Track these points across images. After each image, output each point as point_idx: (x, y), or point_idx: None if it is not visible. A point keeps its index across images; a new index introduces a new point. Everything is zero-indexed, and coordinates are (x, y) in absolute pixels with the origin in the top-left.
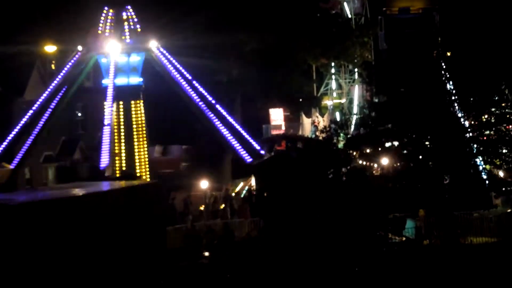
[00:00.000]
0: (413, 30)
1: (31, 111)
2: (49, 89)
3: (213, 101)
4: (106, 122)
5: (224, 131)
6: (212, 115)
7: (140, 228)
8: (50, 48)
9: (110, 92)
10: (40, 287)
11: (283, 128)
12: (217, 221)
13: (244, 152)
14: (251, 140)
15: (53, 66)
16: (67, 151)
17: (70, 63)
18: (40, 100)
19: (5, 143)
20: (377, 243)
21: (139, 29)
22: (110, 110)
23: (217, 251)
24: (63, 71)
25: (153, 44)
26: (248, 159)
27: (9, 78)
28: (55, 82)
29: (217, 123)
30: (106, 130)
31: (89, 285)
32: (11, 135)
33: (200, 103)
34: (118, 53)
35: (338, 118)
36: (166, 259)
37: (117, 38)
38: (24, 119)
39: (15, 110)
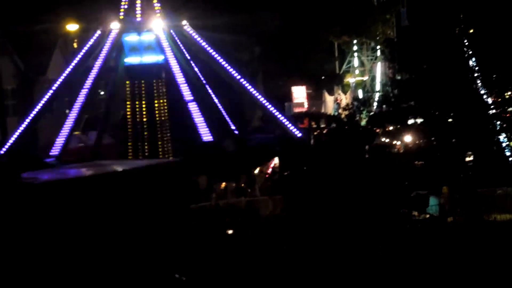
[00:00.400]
0: (435, 6)
1: (51, 91)
2: (69, 69)
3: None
4: None
5: (270, 107)
6: (252, 89)
7: (162, 206)
8: (72, 27)
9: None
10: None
11: (306, 106)
12: (241, 199)
13: (293, 127)
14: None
15: (75, 45)
16: (90, 129)
17: (89, 43)
18: (61, 79)
19: (27, 121)
20: (400, 221)
21: (158, 7)
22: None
23: (240, 228)
24: (83, 50)
25: (172, 21)
26: (298, 134)
27: (31, 57)
28: (76, 61)
29: (261, 99)
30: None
31: (118, 261)
32: (33, 113)
33: (241, 79)
34: (132, 30)
35: (360, 96)
36: (189, 237)
37: (141, 15)
38: (45, 98)
39: (38, 89)
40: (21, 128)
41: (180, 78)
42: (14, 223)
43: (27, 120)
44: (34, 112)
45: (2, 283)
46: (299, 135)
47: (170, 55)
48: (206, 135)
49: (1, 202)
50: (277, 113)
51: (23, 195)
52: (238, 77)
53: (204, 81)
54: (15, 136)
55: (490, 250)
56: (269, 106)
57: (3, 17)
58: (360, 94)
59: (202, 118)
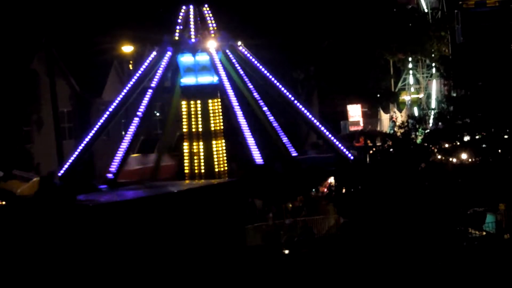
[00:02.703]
0: (490, 23)
1: (107, 112)
2: (125, 90)
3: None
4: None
5: (322, 128)
6: (305, 110)
7: (219, 225)
8: (127, 48)
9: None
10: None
11: (361, 124)
12: (296, 219)
13: (345, 149)
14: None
15: (130, 67)
16: (146, 151)
17: (146, 63)
18: (117, 100)
19: (84, 143)
20: (457, 238)
21: (215, 28)
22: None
23: (296, 248)
24: (139, 71)
25: (233, 43)
26: (350, 156)
27: (87, 79)
28: (132, 82)
29: (312, 118)
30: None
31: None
32: (90, 135)
33: (293, 99)
34: (211, 50)
35: (416, 113)
36: (246, 257)
37: (205, 36)
38: (102, 120)
39: (94, 111)
40: (78, 151)
41: (233, 99)
42: (72, 243)
43: (84, 143)
44: (90, 134)
45: None
46: (351, 157)
47: (224, 75)
48: (258, 158)
49: (58, 223)
50: (329, 135)
51: (79, 217)
52: (292, 98)
53: (259, 102)
54: (72, 158)
55: None
56: (322, 127)
57: (59, 39)
58: (416, 111)
59: (254, 141)
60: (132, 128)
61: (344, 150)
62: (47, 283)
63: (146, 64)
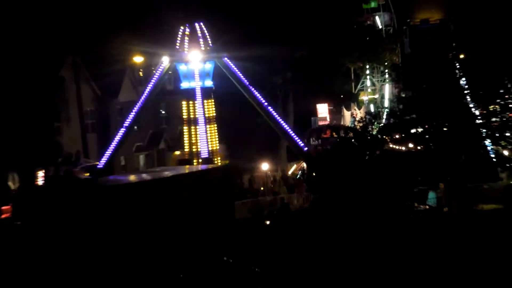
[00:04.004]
0: (432, 37)
1: (133, 114)
2: (143, 97)
3: (266, 103)
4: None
5: (285, 125)
6: (274, 112)
7: (214, 201)
8: (138, 59)
9: (198, 92)
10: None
11: (328, 119)
12: (276, 196)
13: (301, 142)
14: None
15: (141, 74)
16: (154, 142)
17: (158, 72)
18: (136, 108)
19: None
20: (405, 211)
21: (209, 42)
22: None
23: (275, 220)
24: (153, 80)
25: (222, 54)
26: (304, 147)
27: (105, 83)
28: (148, 89)
29: (279, 119)
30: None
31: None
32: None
33: (264, 102)
34: (196, 61)
35: (372, 110)
36: (234, 227)
37: (195, 49)
38: (129, 120)
39: (111, 109)
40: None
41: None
42: (93, 216)
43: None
44: (121, 133)
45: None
46: (305, 149)
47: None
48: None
49: (82, 200)
50: (290, 131)
51: (98, 195)
52: (264, 102)
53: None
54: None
55: (477, 233)
56: (284, 125)
57: (83, 51)
58: (372, 109)
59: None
60: (126, 123)
61: (302, 144)
62: (80, 237)
63: (157, 75)
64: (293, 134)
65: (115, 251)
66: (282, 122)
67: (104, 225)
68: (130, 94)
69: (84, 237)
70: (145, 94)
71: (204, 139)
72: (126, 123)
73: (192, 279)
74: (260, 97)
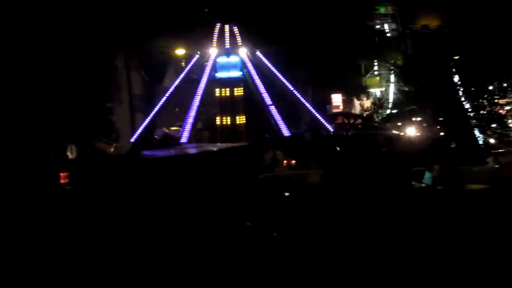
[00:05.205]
0: (430, 40)
1: (165, 97)
2: (177, 81)
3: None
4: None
5: (313, 110)
6: (301, 98)
7: (239, 174)
8: (180, 51)
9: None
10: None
11: (341, 107)
12: (293, 172)
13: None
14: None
15: (183, 64)
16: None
17: (191, 63)
18: (171, 89)
19: (148, 119)
20: (404, 188)
21: (239, 38)
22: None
23: (293, 191)
24: (187, 69)
25: (250, 49)
26: (331, 129)
27: (152, 71)
28: (181, 76)
29: (307, 104)
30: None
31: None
32: (153, 113)
33: (293, 89)
34: (229, 54)
35: (377, 101)
36: (258, 196)
37: (224, 44)
38: (161, 101)
39: (157, 94)
40: (146, 122)
41: (261, 89)
42: (139, 183)
43: (149, 118)
44: (154, 111)
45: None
46: (331, 130)
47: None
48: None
49: (130, 169)
50: (317, 115)
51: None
52: (292, 89)
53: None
54: (141, 128)
55: (465, 208)
56: (312, 110)
57: (134, 43)
58: (377, 100)
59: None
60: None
61: (327, 125)
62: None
63: (192, 62)
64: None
65: (154, 213)
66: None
67: (143, 189)
68: (173, 80)
69: (129, 199)
70: (178, 80)
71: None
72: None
73: (218, 241)
74: (289, 84)
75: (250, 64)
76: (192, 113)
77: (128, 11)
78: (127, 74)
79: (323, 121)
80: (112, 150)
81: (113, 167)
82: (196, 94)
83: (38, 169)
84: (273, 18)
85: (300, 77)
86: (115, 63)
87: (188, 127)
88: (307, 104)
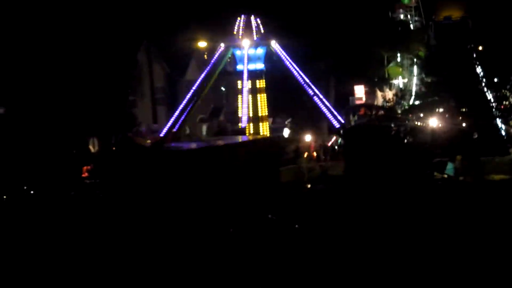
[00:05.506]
0: (453, 31)
1: (191, 91)
2: (203, 74)
3: (310, 82)
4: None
5: (322, 106)
6: (312, 93)
7: (261, 167)
8: (202, 44)
9: (245, 74)
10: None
11: (364, 99)
12: (316, 164)
13: (335, 120)
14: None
15: (205, 57)
16: (215, 115)
17: (216, 55)
18: (197, 83)
19: (176, 113)
20: (426, 179)
21: (262, 31)
22: (246, 88)
23: (315, 183)
24: (211, 62)
25: (273, 41)
26: (337, 125)
27: (175, 64)
28: (207, 69)
29: (316, 99)
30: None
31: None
32: (180, 107)
33: (305, 84)
34: (248, 47)
35: (400, 93)
36: (280, 188)
37: (248, 37)
38: (188, 96)
39: (179, 87)
40: (173, 118)
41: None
42: (163, 175)
43: (176, 113)
44: (181, 107)
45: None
46: (337, 126)
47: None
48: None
49: (155, 161)
50: (326, 110)
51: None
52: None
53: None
54: (169, 123)
55: (488, 198)
56: (321, 104)
57: (156, 38)
58: (400, 91)
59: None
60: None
61: (334, 121)
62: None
63: (216, 56)
64: (329, 113)
65: (176, 205)
66: (320, 103)
67: (167, 182)
68: (196, 73)
69: (151, 191)
70: (203, 74)
71: (245, 108)
72: (185, 100)
73: (241, 232)
74: (303, 79)
75: (281, 55)
76: (245, 104)
77: (150, 4)
78: (149, 68)
79: (337, 115)
80: (148, 144)
81: (141, 160)
82: (244, 86)
83: (61, 163)
84: (296, 9)
85: (322, 70)
86: (138, 57)
87: (245, 118)
88: (323, 98)
